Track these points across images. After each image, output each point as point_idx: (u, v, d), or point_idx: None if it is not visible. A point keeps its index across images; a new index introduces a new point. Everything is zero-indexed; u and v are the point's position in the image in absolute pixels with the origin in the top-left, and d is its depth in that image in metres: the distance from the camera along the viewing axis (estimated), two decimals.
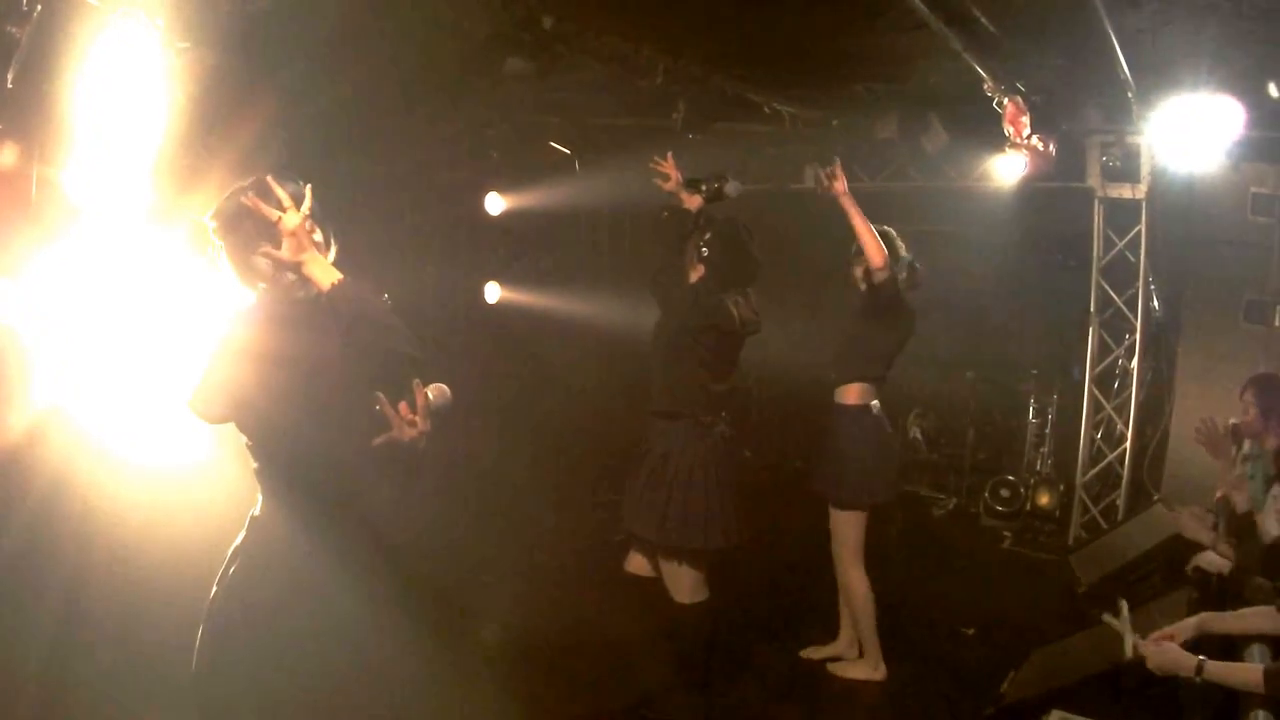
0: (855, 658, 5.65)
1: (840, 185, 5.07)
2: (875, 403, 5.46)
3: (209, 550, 4.64)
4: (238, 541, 2.96)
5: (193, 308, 4.48)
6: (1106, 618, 4.07)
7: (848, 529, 5.47)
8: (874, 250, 5.07)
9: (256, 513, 2.98)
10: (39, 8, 3.58)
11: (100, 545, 4.35)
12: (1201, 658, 3.55)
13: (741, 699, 5.07)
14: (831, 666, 5.73)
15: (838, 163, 5.13)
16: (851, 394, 5.48)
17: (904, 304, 5.45)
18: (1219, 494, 4.99)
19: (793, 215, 8.37)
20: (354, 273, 2.88)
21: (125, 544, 4.39)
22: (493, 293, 8.46)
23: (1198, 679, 3.50)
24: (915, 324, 5.57)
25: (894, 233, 5.50)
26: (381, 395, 2.78)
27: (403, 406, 2.82)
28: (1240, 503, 4.86)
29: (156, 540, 4.40)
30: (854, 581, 5.48)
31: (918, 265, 5.62)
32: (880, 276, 5.14)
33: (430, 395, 2.94)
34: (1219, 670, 3.50)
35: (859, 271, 5.37)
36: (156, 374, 4.28)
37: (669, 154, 4.81)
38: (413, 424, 2.82)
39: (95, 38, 3.59)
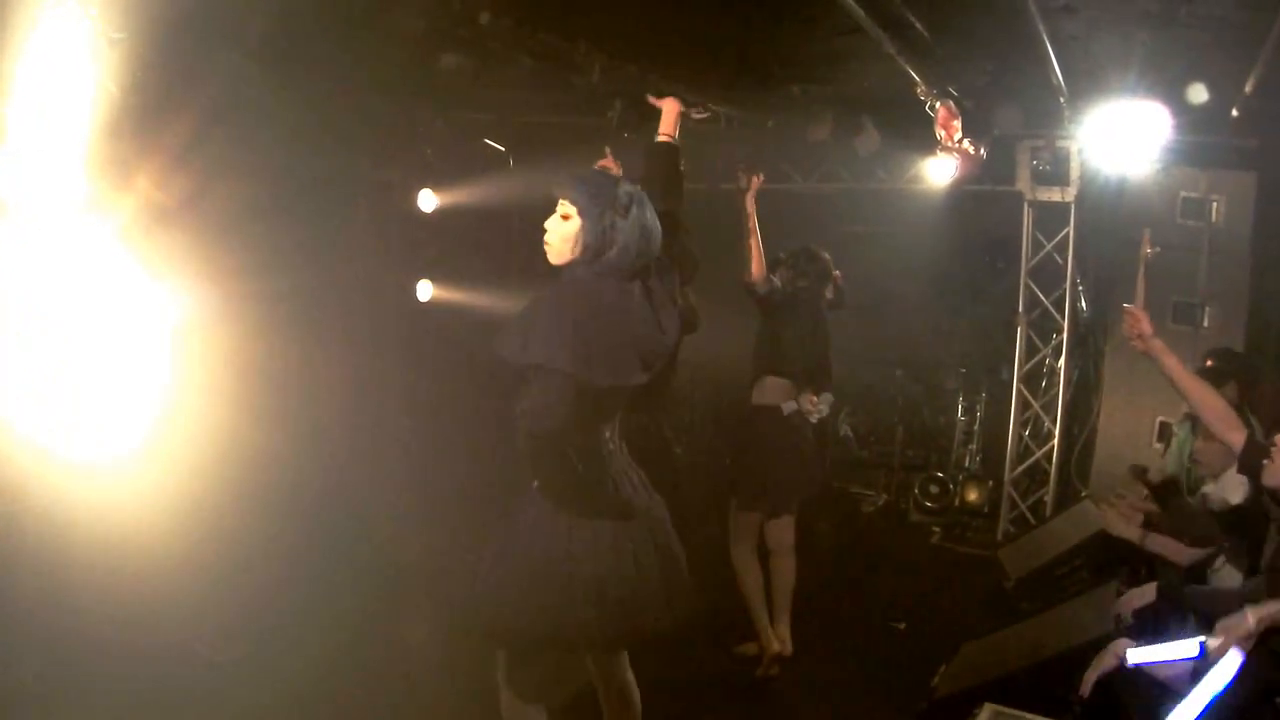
0: (778, 651, 5.69)
1: (750, 194, 5.50)
2: (791, 403, 5.56)
3: (140, 548, 4.60)
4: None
5: (122, 301, 4.41)
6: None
7: (734, 520, 5.75)
8: (752, 263, 5.41)
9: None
10: None
11: (30, 545, 4.27)
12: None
13: (675, 696, 5.08)
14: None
15: (758, 175, 5.55)
16: (761, 391, 5.65)
17: (802, 309, 5.66)
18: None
19: (727, 215, 8.42)
20: (291, 267, 2.84)
21: (57, 544, 4.31)
22: (425, 291, 8.38)
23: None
24: (827, 326, 5.76)
25: (826, 258, 5.77)
26: None
27: None
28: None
29: (91, 540, 4.33)
30: (734, 564, 5.70)
31: (843, 287, 5.92)
32: (757, 290, 5.46)
33: None
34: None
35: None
36: (88, 369, 4.21)
37: (606, 149, 4.81)
38: None
39: (29, 27, 3.53)
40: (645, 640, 3.61)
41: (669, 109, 4.13)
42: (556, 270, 3.45)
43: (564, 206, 3.39)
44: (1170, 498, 4.82)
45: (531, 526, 3.47)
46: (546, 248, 3.44)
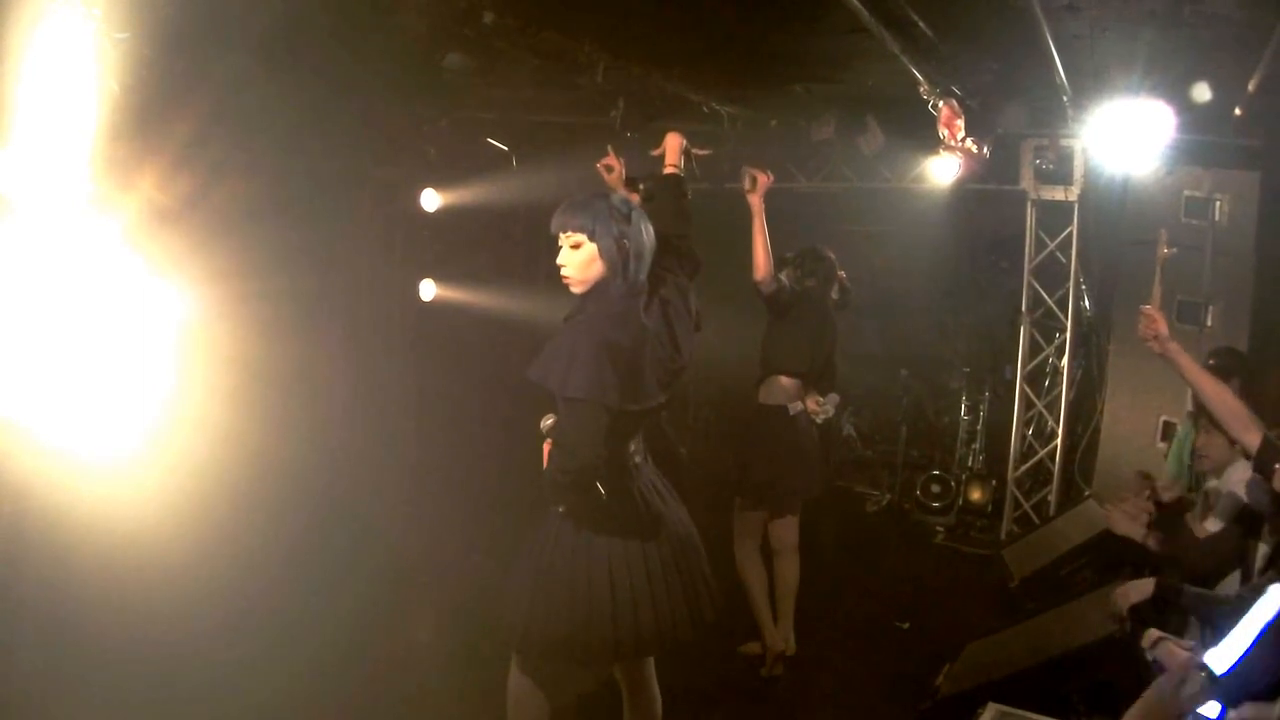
0: (782, 651, 5.70)
1: (758, 193, 5.39)
2: (797, 404, 5.57)
3: (143, 547, 4.60)
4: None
5: (125, 300, 4.41)
6: None
7: (738, 519, 5.74)
8: (759, 263, 5.36)
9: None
10: None
11: (35, 545, 4.27)
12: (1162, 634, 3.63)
13: (679, 696, 5.09)
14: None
15: (767, 174, 5.43)
16: (768, 391, 5.64)
17: (810, 308, 5.66)
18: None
19: (730, 215, 8.42)
20: (294, 266, 2.84)
21: (61, 543, 4.32)
22: (428, 290, 8.39)
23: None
24: (834, 326, 5.76)
25: (832, 257, 5.78)
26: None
27: None
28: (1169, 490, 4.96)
29: (94, 539, 4.33)
30: (738, 563, 5.68)
31: (849, 287, 5.92)
32: (765, 289, 5.44)
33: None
34: (1165, 653, 3.57)
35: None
36: (91, 369, 4.21)
37: (609, 147, 4.79)
38: None
39: (32, 27, 3.52)
40: (670, 648, 3.64)
41: (672, 143, 4.19)
42: (580, 295, 3.46)
43: (571, 238, 3.41)
44: (1172, 526, 4.77)
45: (557, 544, 3.48)
46: (567, 281, 3.45)
